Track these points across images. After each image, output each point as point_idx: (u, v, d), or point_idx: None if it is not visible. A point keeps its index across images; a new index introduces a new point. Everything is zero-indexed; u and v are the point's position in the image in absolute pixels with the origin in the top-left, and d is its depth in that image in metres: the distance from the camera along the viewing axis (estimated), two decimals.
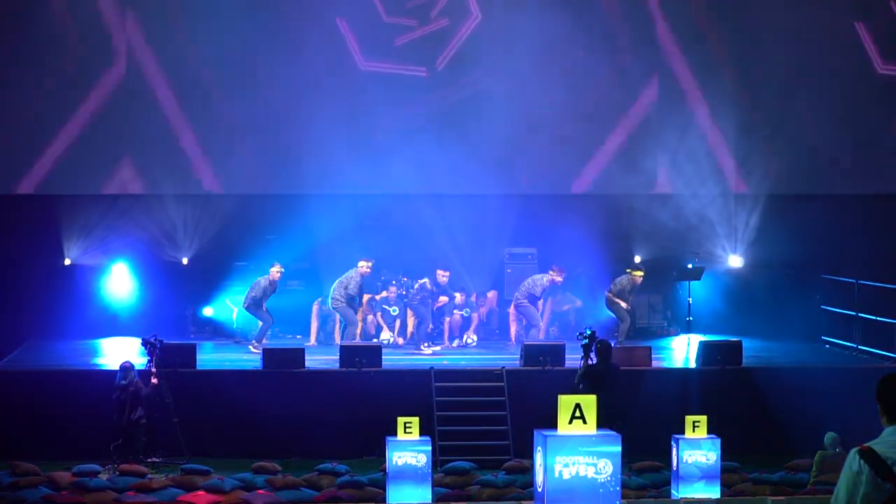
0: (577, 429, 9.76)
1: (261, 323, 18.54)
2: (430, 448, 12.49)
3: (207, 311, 19.70)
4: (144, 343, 15.29)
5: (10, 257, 20.00)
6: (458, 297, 19.02)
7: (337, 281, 18.31)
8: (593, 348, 14.64)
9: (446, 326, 19.03)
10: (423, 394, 15.86)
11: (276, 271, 18.44)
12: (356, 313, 18.36)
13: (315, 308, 19.14)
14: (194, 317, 19.79)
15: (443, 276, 18.43)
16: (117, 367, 15.38)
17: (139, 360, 15.62)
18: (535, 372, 16.28)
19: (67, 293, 20.03)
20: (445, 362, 17.17)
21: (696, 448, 12.90)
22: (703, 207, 20.56)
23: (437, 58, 20.21)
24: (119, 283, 20.21)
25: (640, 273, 18.73)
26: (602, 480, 9.76)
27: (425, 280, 18.29)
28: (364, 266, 18.21)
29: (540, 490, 9.95)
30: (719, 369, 16.47)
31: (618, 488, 9.83)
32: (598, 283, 18.99)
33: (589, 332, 14.94)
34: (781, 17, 20.62)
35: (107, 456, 14.62)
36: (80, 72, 19.82)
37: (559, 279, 18.39)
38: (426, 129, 20.19)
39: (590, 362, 14.64)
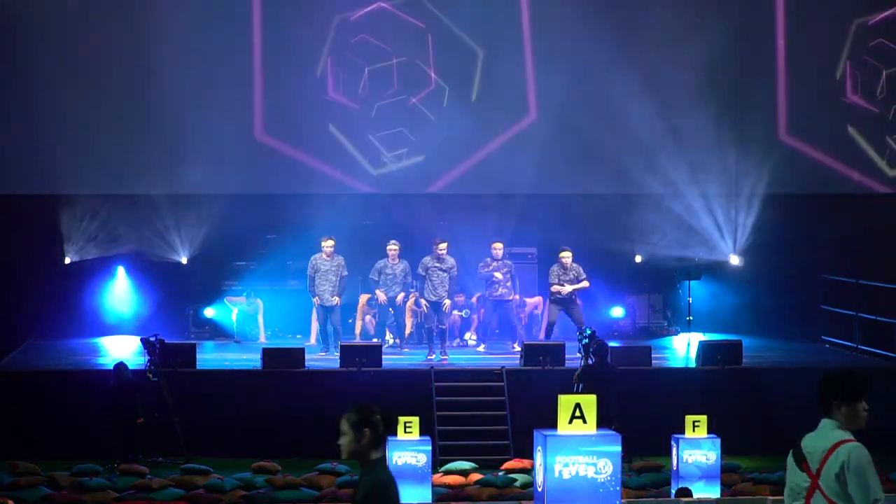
0: (577, 429, 9.77)
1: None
2: (430, 448, 12.49)
3: (208, 312, 19.70)
4: (144, 342, 15.29)
5: (10, 257, 20.00)
6: (459, 297, 18.99)
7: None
8: (591, 348, 14.65)
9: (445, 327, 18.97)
10: (423, 394, 15.85)
11: (325, 245, 17.91)
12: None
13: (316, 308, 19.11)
14: (194, 317, 19.79)
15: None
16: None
17: (138, 359, 15.63)
18: (535, 372, 16.27)
19: (67, 293, 20.03)
20: (445, 362, 17.16)
21: (696, 448, 12.91)
22: (703, 207, 20.57)
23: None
24: (119, 283, 20.22)
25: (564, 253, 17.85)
26: (602, 480, 9.77)
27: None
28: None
29: (540, 490, 9.96)
30: (719, 369, 16.46)
31: (618, 488, 9.84)
32: (598, 283, 18.95)
33: (589, 331, 14.94)
34: (782, 17, 20.62)
35: (107, 456, 14.61)
36: (81, 71, 19.82)
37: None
38: (426, 128, 20.23)
39: (589, 362, 14.64)
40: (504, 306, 18.44)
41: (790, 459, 6.05)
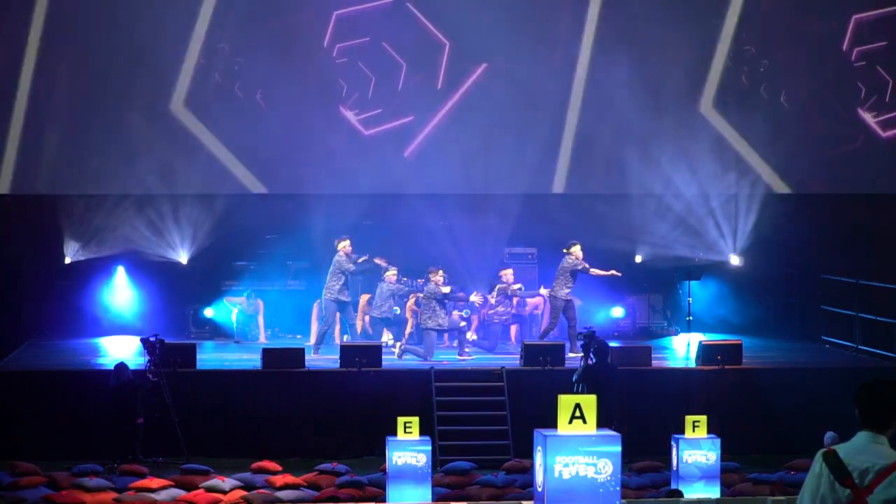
0: (577, 429, 9.75)
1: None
2: (430, 448, 12.49)
3: (208, 312, 19.70)
4: (144, 342, 15.29)
5: (10, 257, 20.00)
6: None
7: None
8: (591, 348, 14.65)
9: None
10: (423, 394, 15.86)
11: (344, 245, 17.89)
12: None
13: (315, 308, 19.10)
14: (194, 317, 19.79)
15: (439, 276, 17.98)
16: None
17: (138, 359, 15.64)
18: (535, 372, 16.27)
19: (67, 293, 20.04)
20: (445, 362, 17.16)
21: (696, 448, 12.91)
22: (703, 207, 20.56)
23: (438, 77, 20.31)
24: (119, 283, 20.23)
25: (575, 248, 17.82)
26: (602, 480, 9.75)
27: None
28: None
29: (540, 490, 9.95)
30: (719, 369, 16.47)
31: (618, 488, 9.83)
32: (598, 283, 18.95)
33: (589, 331, 14.94)
34: (782, 18, 20.63)
35: (107, 456, 14.61)
36: (81, 71, 19.82)
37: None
38: (426, 128, 20.23)
39: (589, 362, 14.64)
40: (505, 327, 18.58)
41: (824, 471, 5.61)
